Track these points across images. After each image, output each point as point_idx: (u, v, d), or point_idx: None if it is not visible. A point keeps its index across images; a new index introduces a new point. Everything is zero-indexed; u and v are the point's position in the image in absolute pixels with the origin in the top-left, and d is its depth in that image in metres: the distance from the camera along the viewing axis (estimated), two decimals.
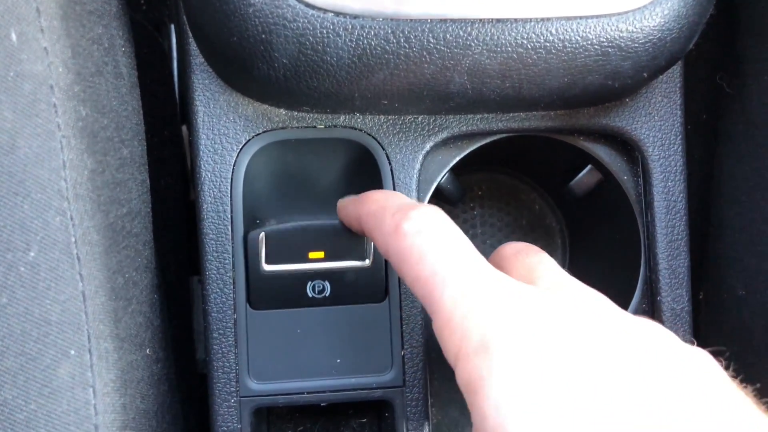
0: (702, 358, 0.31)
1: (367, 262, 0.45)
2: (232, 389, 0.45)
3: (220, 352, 0.45)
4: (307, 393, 0.45)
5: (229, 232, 0.45)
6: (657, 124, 0.47)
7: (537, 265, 0.36)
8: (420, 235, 0.34)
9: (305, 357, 0.46)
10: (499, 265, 0.38)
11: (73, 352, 0.31)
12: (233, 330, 0.45)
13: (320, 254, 0.45)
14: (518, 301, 0.31)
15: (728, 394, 0.29)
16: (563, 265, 0.58)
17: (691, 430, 0.27)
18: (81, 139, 0.34)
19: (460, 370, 0.30)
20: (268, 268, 0.45)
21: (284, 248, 0.45)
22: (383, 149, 0.46)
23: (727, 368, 0.31)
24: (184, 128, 0.73)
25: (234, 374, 0.45)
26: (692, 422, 0.27)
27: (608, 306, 0.33)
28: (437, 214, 0.36)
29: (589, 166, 0.50)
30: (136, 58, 0.47)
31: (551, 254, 0.57)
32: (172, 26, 0.80)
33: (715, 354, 0.32)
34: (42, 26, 0.32)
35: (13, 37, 0.30)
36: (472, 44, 0.39)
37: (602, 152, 0.49)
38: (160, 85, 0.66)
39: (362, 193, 0.42)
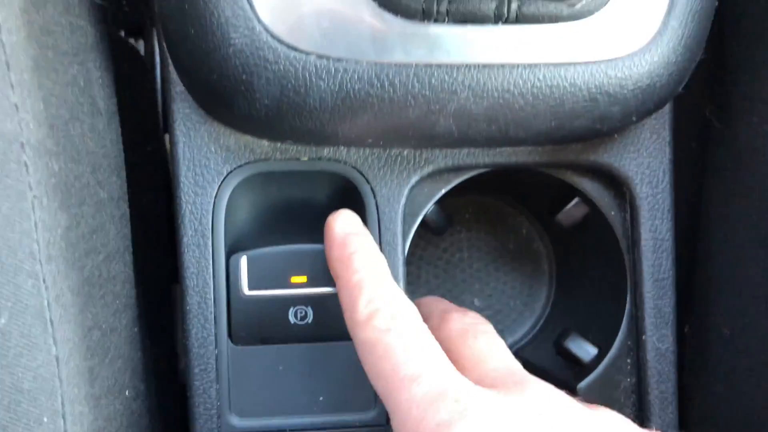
0: None
1: None
2: (214, 426, 0.45)
3: (202, 387, 0.45)
4: (290, 430, 0.45)
5: (210, 267, 0.45)
6: (645, 161, 0.47)
7: (486, 354, 0.39)
8: (388, 333, 0.36)
9: (288, 393, 0.45)
10: (447, 343, 0.39)
11: (45, 419, 0.31)
12: (215, 366, 0.45)
13: (303, 279, 0.45)
14: (475, 412, 0.32)
15: None
16: (549, 292, 0.58)
17: None
18: (54, 197, 0.33)
19: None
20: (249, 293, 0.44)
21: (266, 273, 0.44)
22: (368, 183, 0.45)
23: None
24: (166, 136, 0.72)
25: (215, 410, 0.45)
26: None
27: (564, 402, 0.34)
28: (408, 314, 0.37)
29: (576, 199, 0.50)
30: (116, 73, 0.46)
31: (538, 280, 0.57)
32: (154, 30, 0.78)
33: None
34: (12, 81, 0.31)
35: None
36: (458, 89, 0.38)
37: (589, 186, 0.48)
38: (141, 98, 0.64)
39: (344, 242, 0.41)
